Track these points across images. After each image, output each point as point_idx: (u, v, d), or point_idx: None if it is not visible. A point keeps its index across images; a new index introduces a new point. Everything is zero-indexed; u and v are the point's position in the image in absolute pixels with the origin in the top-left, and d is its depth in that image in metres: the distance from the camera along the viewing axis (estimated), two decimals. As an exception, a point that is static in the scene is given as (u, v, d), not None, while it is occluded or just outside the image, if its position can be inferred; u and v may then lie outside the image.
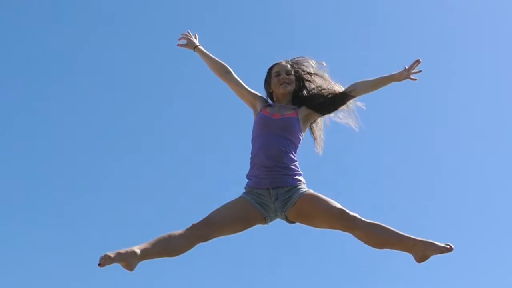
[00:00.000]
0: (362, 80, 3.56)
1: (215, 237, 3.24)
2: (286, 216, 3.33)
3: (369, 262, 8.76)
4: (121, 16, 10.89)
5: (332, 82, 3.60)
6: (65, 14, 10.67)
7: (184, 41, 3.83)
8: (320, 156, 3.62)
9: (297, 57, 3.72)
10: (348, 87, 3.55)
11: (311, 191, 3.32)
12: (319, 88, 3.57)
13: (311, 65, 3.67)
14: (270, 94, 3.66)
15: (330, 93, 3.54)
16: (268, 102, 3.64)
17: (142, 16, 10.84)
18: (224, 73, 3.69)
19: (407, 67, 3.50)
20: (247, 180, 3.43)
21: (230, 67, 3.70)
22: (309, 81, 3.62)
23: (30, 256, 9.10)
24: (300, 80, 3.62)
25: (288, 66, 3.63)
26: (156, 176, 10.09)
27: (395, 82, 3.54)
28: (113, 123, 10.44)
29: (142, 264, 3.04)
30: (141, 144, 10.32)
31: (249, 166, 3.46)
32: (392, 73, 3.53)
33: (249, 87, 3.69)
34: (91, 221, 9.62)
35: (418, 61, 3.52)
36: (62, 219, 9.65)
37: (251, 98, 3.65)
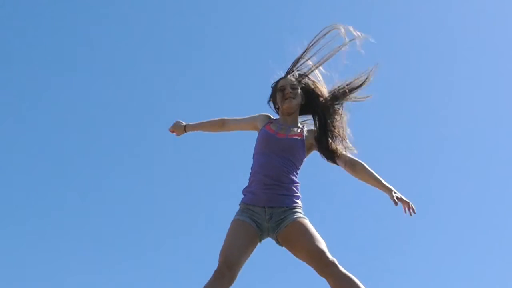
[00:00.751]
0: (366, 166, 3.40)
1: (237, 272, 3.13)
2: (277, 237, 3.24)
3: (368, 263, 8.75)
4: (121, 15, 10.91)
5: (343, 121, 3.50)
6: (65, 13, 10.69)
7: (175, 133, 3.86)
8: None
9: (299, 59, 3.64)
10: (352, 161, 3.42)
11: (305, 220, 3.23)
12: (338, 138, 3.45)
13: (316, 77, 3.59)
14: (277, 110, 3.62)
15: (342, 149, 3.42)
16: (270, 118, 3.58)
17: (143, 15, 10.84)
18: (221, 128, 3.73)
19: (401, 203, 3.26)
20: (243, 196, 3.37)
21: (221, 117, 3.72)
22: (318, 94, 3.54)
23: (29, 256, 9.11)
24: (308, 92, 3.55)
25: (294, 80, 3.57)
26: (155, 177, 10.10)
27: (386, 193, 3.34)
28: (112, 123, 10.45)
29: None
30: (141, 145, 10.33)
31: (248, 176, 3.39)
32: (391, 188, 3.31)
33: (248, 113, 3.68)
34: (91, 222, 9.64)
35: (413, 211, 3.26)
36: (61, 219, 9.67)
37: (251, 126, 3.62)
